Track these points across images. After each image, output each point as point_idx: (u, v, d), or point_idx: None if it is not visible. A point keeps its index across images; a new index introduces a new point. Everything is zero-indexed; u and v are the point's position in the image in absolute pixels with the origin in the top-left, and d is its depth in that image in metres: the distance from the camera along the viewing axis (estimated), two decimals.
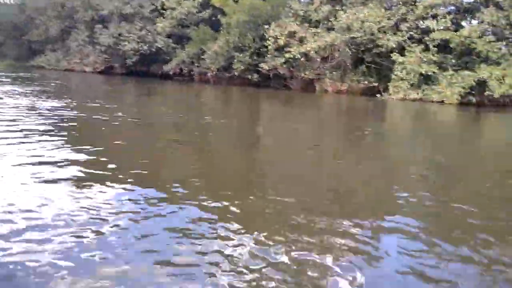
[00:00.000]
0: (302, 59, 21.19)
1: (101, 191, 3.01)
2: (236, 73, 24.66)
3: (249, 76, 24.82)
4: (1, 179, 2.99)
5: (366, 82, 20.33)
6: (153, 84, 23.80)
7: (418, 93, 19.10)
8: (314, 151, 5.14)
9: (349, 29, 20.29)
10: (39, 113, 6.46)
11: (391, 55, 19.46)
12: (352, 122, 9.05)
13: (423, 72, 18.86)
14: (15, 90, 10.55)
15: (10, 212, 2.46)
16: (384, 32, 19.74)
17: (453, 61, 19.74)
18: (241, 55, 24.42)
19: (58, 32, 34.27)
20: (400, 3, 20.60)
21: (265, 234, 2.65)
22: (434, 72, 18.93)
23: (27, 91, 10.41)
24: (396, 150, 6.07)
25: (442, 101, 18.56)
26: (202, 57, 26.02)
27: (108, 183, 3.18)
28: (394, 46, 19.39)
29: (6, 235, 2.19)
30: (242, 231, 2.69)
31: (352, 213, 3.20)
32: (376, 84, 20.27)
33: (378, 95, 19.94)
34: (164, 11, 29.67)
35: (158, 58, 29.71)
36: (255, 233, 2.66)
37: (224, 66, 25.74)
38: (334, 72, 21.05)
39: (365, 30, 19.65)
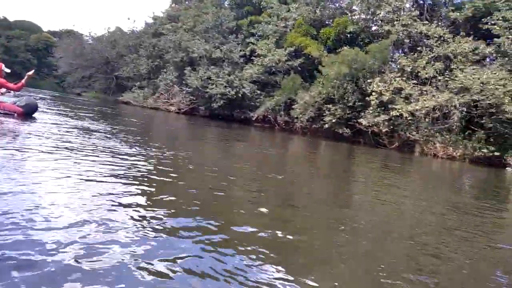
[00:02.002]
0: (409, 118, 19.48)
1: None
2: (326, 125, 23.35)
3: (340, 130, 23.43)
4: None
5: (484, 150, 18.01)
6: (242, 130, 23.02)
7: None
8: None
9: (466, 90, 18.43)
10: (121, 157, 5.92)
11: None
12: None
13: None
14: (103, 128, 10.17)
15: None
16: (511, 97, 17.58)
17: None
18: (333, 107, 23.24)
19: (147, 71, 35.49)
20: None
21: None
22: None
23: (114, 130, 10.00)
24: None
25: None
26: (293, 106, 25.12)
27: None
28: None
29: None
30: None
31: None
32: (498, 154, 17.88)
33: (508, 169, 17.44)
34: (253, 58, 29.60)
35: (243, 103, 29.36)
36: None
37: (312, 117, 24.70)
38: (447, 136, 19.02)
39: (487, 93, 17.67)
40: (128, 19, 49.24)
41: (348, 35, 26.14)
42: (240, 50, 30.67)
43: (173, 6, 43.14)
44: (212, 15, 33.37)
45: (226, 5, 36.97)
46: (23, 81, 8.98)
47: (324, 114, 23.55)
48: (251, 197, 4.95)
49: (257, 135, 21.65)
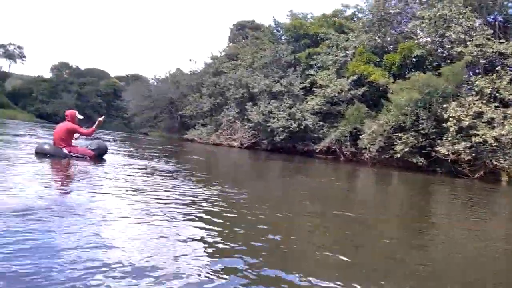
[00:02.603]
0: (493, 144, 17.84)
1: None
2: (398, 155, 22.05)
3: (413, 160, 21.98)
4: None
5: None
6: (305, 163, 22.35)
7: None
8: None
9: None
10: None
11: None
12: None
13: None
14: (168, 168, 10.44)
15: None
16: None
17: None
18: (404, 136, 21.96)
19: (209, 108, 36.43)
20: None
21: None
22: None
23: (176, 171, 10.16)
24: None
25: None
26: (360, 136, 24.19)
27: None
28: None
29: None
30: None
31: None
32: None
33: None
34: (314, 89, 29.28)
35: (305, 135, 28.89)
36: None
37: (382, 146, 23.51)
38: None
39: None
40: (190, 60, 52.88)
41: (414, 60, 25.07)
42: (300, 83, 30.54)
43: (231, 45, 44.56)
44: (270, 50, 33.86)
45: (283, 40, 37.43)
46: (94, 126, 9.45)
47: (395, 143, 22.34)
48: (318, 240, 4.44)
49: (322, 167, 20.90)
